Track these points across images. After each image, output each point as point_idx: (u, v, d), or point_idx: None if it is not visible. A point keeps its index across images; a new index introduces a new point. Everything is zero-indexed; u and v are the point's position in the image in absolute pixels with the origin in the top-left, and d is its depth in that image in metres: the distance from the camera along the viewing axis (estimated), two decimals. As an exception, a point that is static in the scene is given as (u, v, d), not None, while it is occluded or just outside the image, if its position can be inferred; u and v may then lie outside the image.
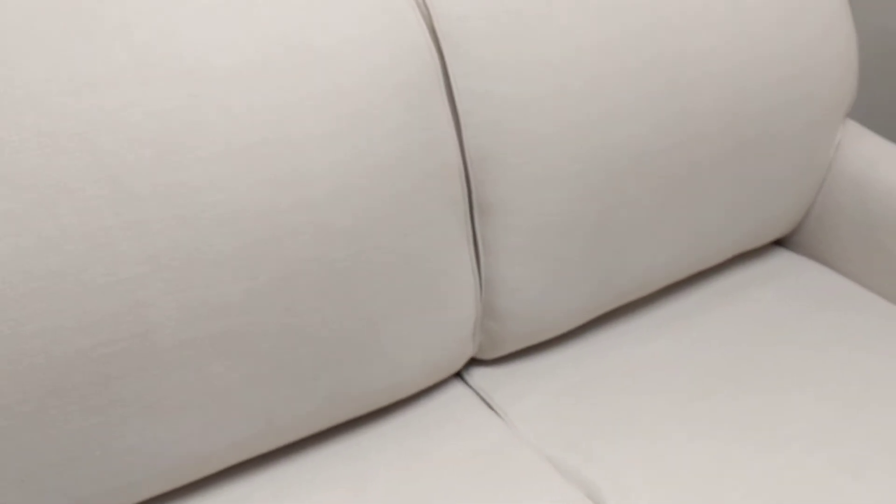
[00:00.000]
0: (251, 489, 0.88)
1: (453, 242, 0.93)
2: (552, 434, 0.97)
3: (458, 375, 1.06)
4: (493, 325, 1.01)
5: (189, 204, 0.75)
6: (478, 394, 1.04)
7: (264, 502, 0.87)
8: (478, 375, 1.06)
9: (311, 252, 0.81)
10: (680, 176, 1.03)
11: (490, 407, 1.02)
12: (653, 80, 0.98)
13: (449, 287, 0.94)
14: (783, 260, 1.26)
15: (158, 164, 0.74)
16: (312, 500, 0.87)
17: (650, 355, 1.08)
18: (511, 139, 0.92)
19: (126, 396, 0.76)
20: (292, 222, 0.80)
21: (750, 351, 1.07)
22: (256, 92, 0.78)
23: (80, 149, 0.71)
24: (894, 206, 1.16)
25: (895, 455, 0.91)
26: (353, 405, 0.93)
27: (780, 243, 1.30)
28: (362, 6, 0.85)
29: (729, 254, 1.19)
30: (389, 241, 0.86)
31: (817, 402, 0.99)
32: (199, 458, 0.83)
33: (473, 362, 1.06)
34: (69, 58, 0.73)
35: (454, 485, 0.89)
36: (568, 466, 0.93)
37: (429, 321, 0.93)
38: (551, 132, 0.93)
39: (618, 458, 0.93)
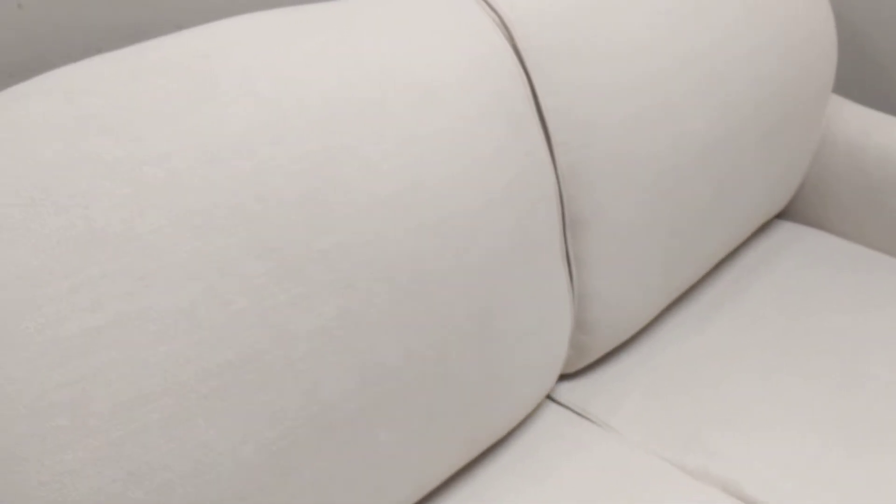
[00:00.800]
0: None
1: (556, 263, 0.91)
2: (662, 436, 0.98)
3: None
4: (583, 337, 1.00)
5: (347, 265, 0.69)
6: (571, 409, 1.02)
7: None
8: (564, 391, 1.05)
9: (455, 295, 0.77)
10: (729, 164, 1.06)
11: (589, 420, 1.01)
12: (699, 75, 1.00)
13: (554, 309, 0.92)
14: (787, 231, 1.33)
15: (310, 227, 0.67)
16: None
17: (711, 342, 1.11)
18: (595, 153, 0.91)
19: (303, 487, 0.69)
20: (439, 268, 0.75)
21: (799, 322, 1.12)
22: (384, 136, 0.73)
23: (234, 223, 0.64)
24: (891, 169, 1.25)
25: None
26: (479, 445, 0.89)
27: (778, 216, 1.37)
28: (459, 38, 0.82)
29: (752, 230, 1.24)
30: (514, 274, 0.83)
31: (888, 366, 1.05)
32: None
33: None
34: (196, 126, 0.65)
35: (594, 505, 0.88)
36: (694, 466, 0.94)
37: (541, 346, 0.91)
38: (628, 141, 0.93)
39: (739, 450, 0.95)
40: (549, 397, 1.04)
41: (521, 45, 0.87)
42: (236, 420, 0.63)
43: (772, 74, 1.12)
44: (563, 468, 0.93)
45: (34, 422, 0.55)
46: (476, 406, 0.84)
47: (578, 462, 0.94)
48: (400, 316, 0.73)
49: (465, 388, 0.81)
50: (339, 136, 0.71)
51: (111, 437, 0.57)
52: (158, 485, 0.59)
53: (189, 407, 0.60)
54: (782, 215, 1.37)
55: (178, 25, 0.88)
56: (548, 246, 0.88)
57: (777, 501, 0.89)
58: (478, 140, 0.80)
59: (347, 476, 0.72)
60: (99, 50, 0.84)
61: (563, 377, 1.06)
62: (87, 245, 0.58)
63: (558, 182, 0.90)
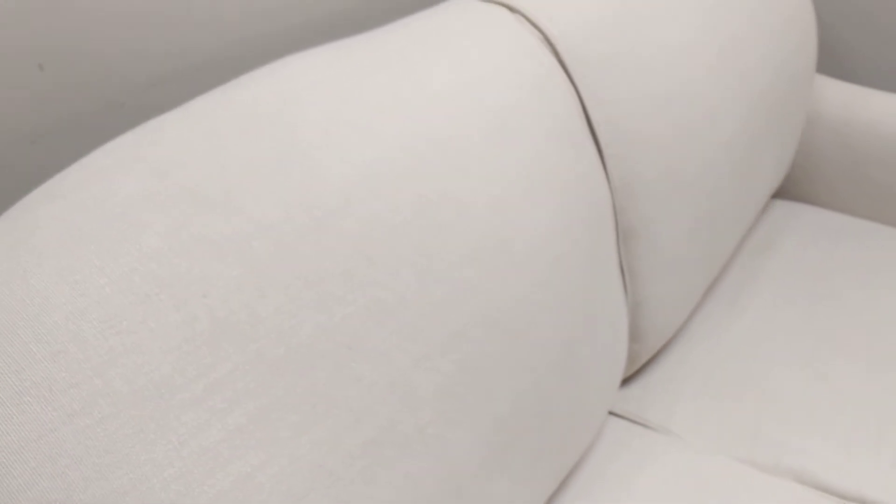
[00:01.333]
0: None
1: (617, 277, 0.89)
2: (724, 436, 0.97)
3: (598, 406, 1.03)
4: (634, 346, 0.99)
5: (457, 315, 0.65)
6: (630, 420, 1.01)
7: None
8: (619, 402, 1.03)
9: (549, 329, 0.74)
10: (749, 154, 1.07)
11: (650, 428, 1.00)
12: (728, 75, 1.00)
13: (618, 324, 0.90)
14: (782, 209, 1.36)
15: (420, 282, 0.63)
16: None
17: (743, 332, 1.11)
18: (643, 163, 0.89)
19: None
20: (534, 303, 0.72)
21: (822, 302, 1.15)
22: (469, 173, 0.69)
23: (349, 290, 0.59)
24: (875, 141, 1.28)
25: None
26: (564, 473, 0.87)
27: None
28: (513, 60, 0.79)
29: (760, 210, 1.26)
30: (589, 296, 0.81)
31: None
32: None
33: (607, 388, 1.04)
34: (293, 189, 0.59)
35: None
36: (764, 461, 0.94)
37: (609, 362, 0.89)
38: (672, 148, 0.92)
39: (803, 439, 0.95)
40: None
41: (566, 60, 0.84)
42: (382, 501, 0.58)
43: (770, 61, 1.13)
44: (639, 482, 0.92)
45: (193, 544, 0.49)
46: (567, 437, 0.81)
47: (652, 474, 0.93)
48: (508, 360, 0.69)
49: (560, 422, 0.78)
50: (430, 180, 0.66)
51: (270, 545, 0.52)
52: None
53: (338, 496, 0.56)
54: (775, 194, 1.39)
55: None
56: (611, 262, 0.87)
57: (853, 484, 0.91)
58: (549, 164, 0.77)
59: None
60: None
61: (614, 387, 1.04)
62: (213, 338, 0.52)
63: (612, 194, 0.88)
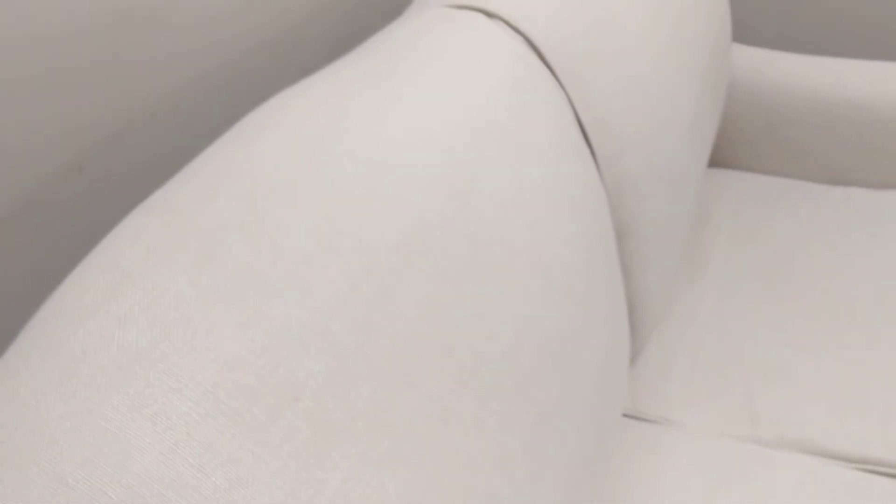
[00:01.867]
0: None
1: (618, 277, 0.87)
2: (722, 417, 0.98)
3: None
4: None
5: (518, 359, 0.60)
6: (630, 416, 1.00)
7: None
8: (611, 398, 1.01)
9: (591, 349, 0.71)
10: (704, 137, 1.08)
11: (650, 421, 0.99)
12: (684, 54, 0.99)
13: (622, 323, 0.88)
14: (710, 178, 1.38)
15: (492, 335, 0.58)
16: None
17: (710, 310, 1.11)
18: (628, 160, 0.87)
19: None
20: (572, 328, 0.68)
21: (774, 267, 1.17)
22: (505, 200, 0.64)
23: (437, 358, 0.53)
24: (787, 101, 1.32)
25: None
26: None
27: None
28: (511, 70, 0.74)
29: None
30: (611, 305, 0.78)
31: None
32: None
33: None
34: (354, 251, 0.52)
35: None
36: (768, 437, 0.95)
37: (623, 362, 0.87)
38: (650, 140, 0.91)
39: (798, 410, 0.97)
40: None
41: (551, 61, 0.79)
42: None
43: (706, 36, 1.13)
44: (662, 479, 0.91)
45: None
46: (608, 452, 0.78)
47: (670, 468, 0.92)
48: (567, 394, 0.65)
49: (605, 441, 0.75)
50: (476, 224, 0.60)
51: None
52: None
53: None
54: (696, 163, 1.42)
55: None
56: (615, 264, 0.84)
57: (855, 447, 0.93)
58: (560, 176, 0.73)
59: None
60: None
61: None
62: (318, 449, 0.45)
63: (607, 195, 0.85)
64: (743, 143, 1.37)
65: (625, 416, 0.99)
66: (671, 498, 0.87)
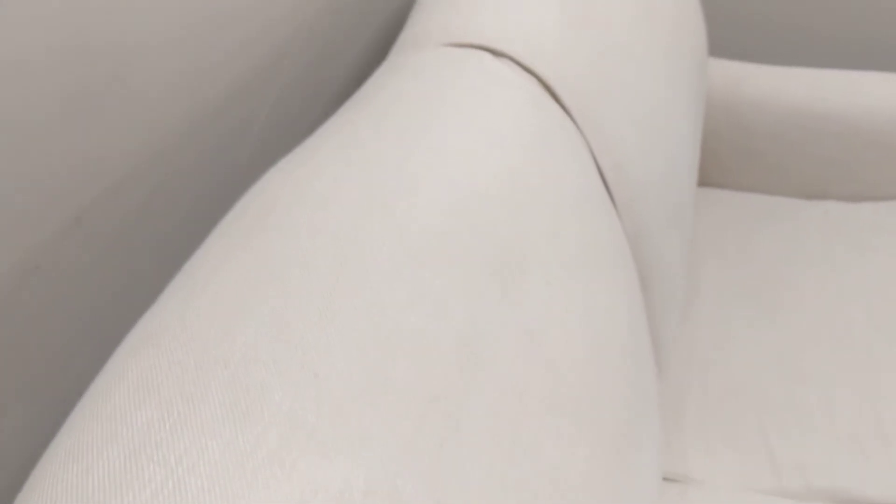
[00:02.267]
0: None
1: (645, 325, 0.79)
2: (744, 468, 0.92)
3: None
4: (642, 395, 0.90)
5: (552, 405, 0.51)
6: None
7: None
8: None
9: (617, 403, 0.62)
10: (694, 151, 1.01)
11: (669, 480, 0.92)
12: (677, 82, 0.92)
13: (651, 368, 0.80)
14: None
15: (523, 382, 0.49)
16: None
17: (708, 344, 1.06)
18: (645, 206, 0.79)
19: None
20: (601, 373, 0.59)
21: (766, 291, 1.12)
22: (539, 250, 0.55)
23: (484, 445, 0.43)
24: (763, 116, 1.28)
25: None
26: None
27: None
28: (534, 118, 0.64)
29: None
30: (637, 355, 0.70)
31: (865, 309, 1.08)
32: None
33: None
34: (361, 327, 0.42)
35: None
36: (795, 489, 0.89)
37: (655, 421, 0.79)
38: (664, 187, 0.83)
39: (819, 455, 0.91)
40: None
41: (568, 104, 0.71)
42: None
43: (693, 56, 1.07)
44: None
45: None
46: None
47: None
48: (586, 438, 0.56)
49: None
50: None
51: None
52: None
53: None
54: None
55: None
56: (641, 312, 0.76)
57: (885, 490, 0.88)
58: (587, 222, 0.64)
59: None
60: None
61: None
62: None
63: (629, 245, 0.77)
64: (719, 159, 1.32)
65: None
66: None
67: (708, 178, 1.34)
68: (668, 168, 0.83)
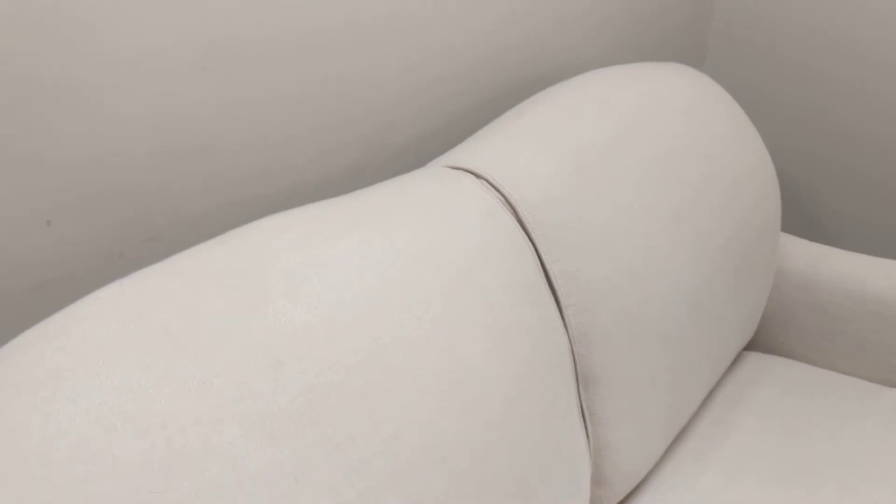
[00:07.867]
0: None
1: (576, 421, 0.94)
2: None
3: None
4: (599, 492, 1.02)
5: (406, 453, 0.70)
6: None
7: None
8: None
9: (501, 470, 0.78)
10: (711, 306, 1.13)
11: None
12: (681, 229, 1.08)
13: (579, 468, 0.94)
14: (755, 361, 1.40)
15: (371, 419, 0.69)
16: None
17: (712, 486, 1.12)
18: (601, 312, 0.96)
19: None
20: (485, 445, 0.77)
21: (798, 458, 1.16)
22: (423, 318, 0.76)
23: (302, 426, 0.65)
24: (841, 299, 1.34)
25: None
26: None
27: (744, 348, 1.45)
28: (477, 221, 0.87)
29: (728, 362, 1.31)
30: (546, 439, 0.86)
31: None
32: None
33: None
34: (257, 333, 0.67)
35: None
36: None
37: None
38: (628, 297, 0.99)
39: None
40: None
41: (526, 222, 0.92)
42: None
43: (729, 217, 1.21)
44: None
45: None
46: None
47: None
48: (454, 498, 0.73)
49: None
50: (385, 325, 0.73)
51: None
52: None
53: None
54: (748, 346, 1.45)
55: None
56: (568, 405, 0.91)
57: None
58: (505, 313, 0.83)
59: None
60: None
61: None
62: (169, 466, 0.58)
63: (570, 342, 0.94)
64: (795, 332, 1.40)
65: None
66: None
67: (787, 348, 1.41)
68: (636, 294, 0.99)
